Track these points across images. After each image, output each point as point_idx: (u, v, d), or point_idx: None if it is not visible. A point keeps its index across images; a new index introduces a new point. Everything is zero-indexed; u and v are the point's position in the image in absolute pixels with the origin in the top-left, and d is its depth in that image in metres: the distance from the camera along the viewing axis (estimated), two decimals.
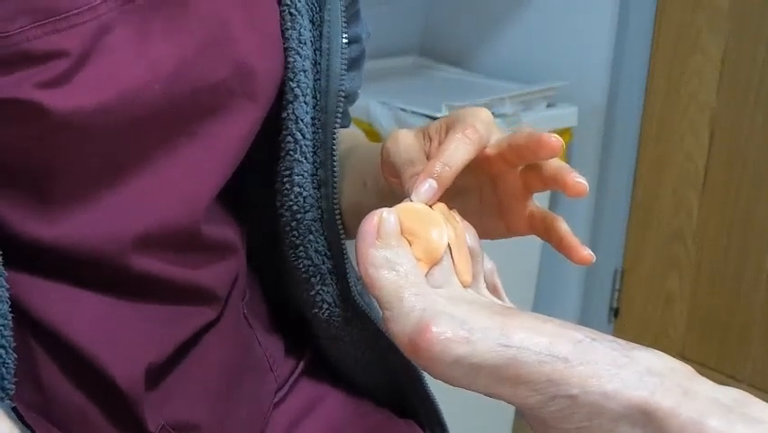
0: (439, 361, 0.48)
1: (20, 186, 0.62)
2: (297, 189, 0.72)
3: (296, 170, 0.71)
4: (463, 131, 0.59)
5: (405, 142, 0.62)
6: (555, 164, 0.59)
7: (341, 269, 0.75)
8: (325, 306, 0.76)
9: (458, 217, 0.57)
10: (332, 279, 0.76)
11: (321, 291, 0.76)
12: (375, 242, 0.51)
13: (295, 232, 0.73)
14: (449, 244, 0.54)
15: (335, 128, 0.72)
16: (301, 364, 0.82)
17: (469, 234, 0.57)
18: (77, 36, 0.58)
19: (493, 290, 0.58)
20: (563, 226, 0.61)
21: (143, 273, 0.66)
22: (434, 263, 0.53)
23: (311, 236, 0.74)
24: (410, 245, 0.53)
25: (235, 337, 0.76)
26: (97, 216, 0.63)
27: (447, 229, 0.54)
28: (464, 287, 0.54)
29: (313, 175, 0.72)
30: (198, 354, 0.71)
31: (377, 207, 0.54)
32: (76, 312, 0.65)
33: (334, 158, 0.72)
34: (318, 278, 0.75)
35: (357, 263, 0.52)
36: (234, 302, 0.76)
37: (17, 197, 0.62)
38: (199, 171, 0.67)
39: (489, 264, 0.58)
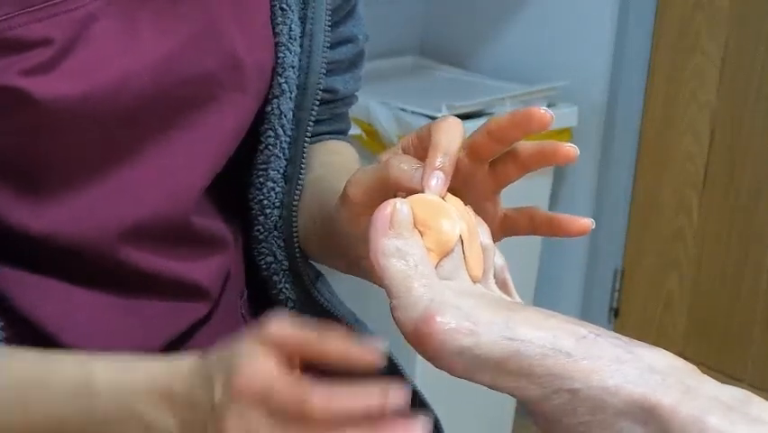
0: (443, 351, 0.48)
1: (8, 175, 0.62)
2: (270, 184, 0.72)
3: (272, 165, 0.72)
4: (439, 122, 0.57)
5: (395, 158, 0.59)
6: (533, 143, 0.58)
7: (294, 267, 0.76)
8: (290, 303, 0.77)
9: (471, 212, 0.57)
10: (292, 276, 0.76)
11: (285, 289, 0.76)
12: (387, 231, 0.52)
13: (260, 227, 0.74)
14: (461, 238, 0.54)
15: (309, 126, 0.72)
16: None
17: (482, 230, 0.57)
18: (61, 24, 0.58)
19: (503, 285, 0.58)
20: (544, 211, 0.61)
21: (133, 266, 0.66)
22: (445, 255, 0.53)
23: (275, 232, 0.74)
24: (422, 236, 0.53)
25: (230, 336, 0.75)
26: (87, 206, 0.63)
27: (460, 222, 0.54)
28: (474, 281, 0.53)
29: (284, 172, 0.73)
30: (190, 352, 0.71)
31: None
32: (66, 309, 0.65)
33: (304, 155, 0.73)
34: (281, 275, 0.76)
35: (369, 252, 0.52)
36: (228, 299, 0.75)
37: (4, 186, 0.62)
38: (190, 163, 0.67)
39: (499, 261, 0.58)
